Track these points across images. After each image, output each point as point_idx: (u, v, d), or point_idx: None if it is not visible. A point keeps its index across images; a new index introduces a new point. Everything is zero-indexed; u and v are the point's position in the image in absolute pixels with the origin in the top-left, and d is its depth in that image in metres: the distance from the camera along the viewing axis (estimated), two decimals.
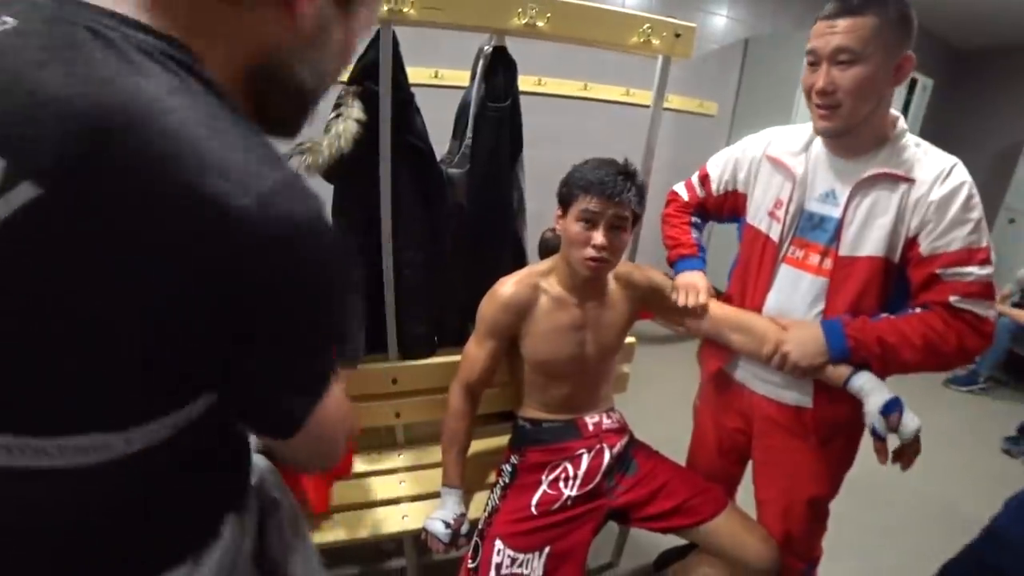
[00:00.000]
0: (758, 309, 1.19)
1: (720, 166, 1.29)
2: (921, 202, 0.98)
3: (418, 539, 1.28)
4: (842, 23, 0.93)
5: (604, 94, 3.09)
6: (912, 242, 1.00)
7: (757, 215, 1.20)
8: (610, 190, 1.13)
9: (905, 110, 3.54)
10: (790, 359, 1.08)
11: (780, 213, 1.14)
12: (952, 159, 1.00)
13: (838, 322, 1.04)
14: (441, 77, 2.56)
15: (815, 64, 0.98)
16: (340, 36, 0.49)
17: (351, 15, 0.49)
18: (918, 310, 1.01)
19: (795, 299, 1.13)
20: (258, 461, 0.69)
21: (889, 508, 2.09)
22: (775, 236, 1.15)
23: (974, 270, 0.96)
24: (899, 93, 3.49)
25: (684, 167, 3.39)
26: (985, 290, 0.97)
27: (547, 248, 1.97)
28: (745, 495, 1.41)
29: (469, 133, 1.31)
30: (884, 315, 1.04)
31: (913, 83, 3.46)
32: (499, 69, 1.31)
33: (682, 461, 1.44)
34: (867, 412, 1.04)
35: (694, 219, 1.35)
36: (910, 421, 1.02)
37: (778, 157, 1.15)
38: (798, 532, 1.25)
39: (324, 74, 0.51)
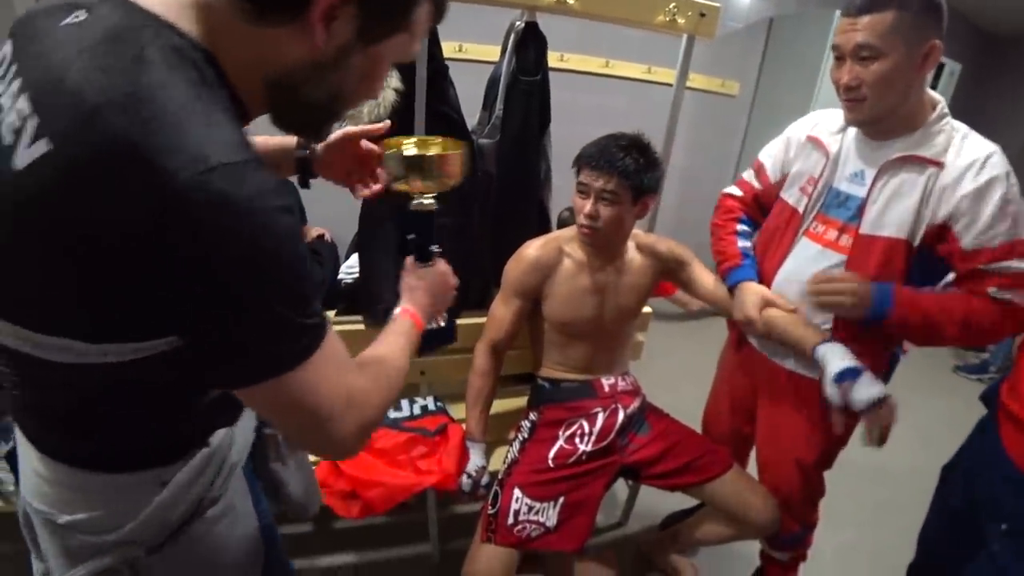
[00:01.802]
0: (773, 274, 1.25)
1: (773, 153, 1.30)
2: (949, 190, 0.99)
3: (439, 492, 1.37)
4: (863, 20, 0.95)
5: (626, 71, 3.10)
6: (940, 229, 1.02)
7: (790, 190, 1.24)
8: (597, 163, 1.20)
9: None
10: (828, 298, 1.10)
11: (810, 188, 1.18)
12: (990, 148, 0.99)
13: (890, 287, 1.06)
14: (465, 51, 2.60)
15: (840, 59, 1.01)
16: (362, 64, 0.53)
17: (377, 45, 0.53)
18: (952, 289, 1.05)
19: (806, 269, 1.17)
20: None
21: (888, 486, 2.16)
22: (801, 209, 1.20)
23: (1015, 264, 0.99)
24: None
25: (704, 147, 3.45)
26: (1021, 281, 1.00)
27: (563, 226, 2.03)
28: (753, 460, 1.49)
29: (500, 105, 1.36)
30: (928, 289, 1.07)
31: (940, 68, 3.41)
32: (530, 44, 1.36)
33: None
34: (824, 380, 1.08)
35: (740, 227, 1.34)
36: (863, 390, 1.04)
37: (817, 136, 1.19)
38: (795, 495, 1.33)
39: (342, 95, 0.55)
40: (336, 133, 0.83)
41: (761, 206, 1.36)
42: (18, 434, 0.63)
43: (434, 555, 1.65)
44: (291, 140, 0.83)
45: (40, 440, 0.60)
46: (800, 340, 1.15)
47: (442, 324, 0.90)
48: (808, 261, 1.18)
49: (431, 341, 0.87)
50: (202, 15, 0.47)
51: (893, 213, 1.05)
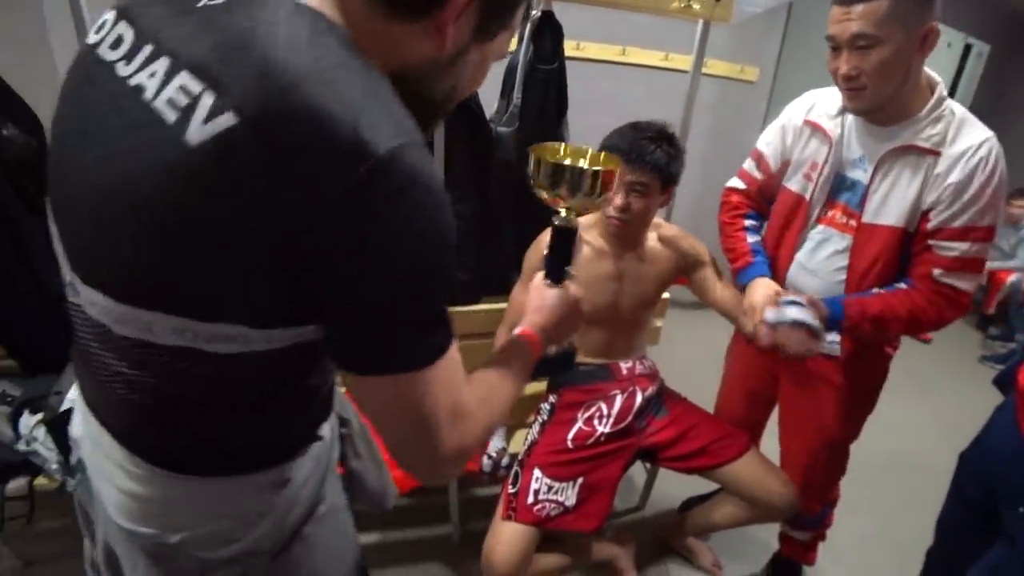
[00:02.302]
0: (786, 265, 1.25)
1: (770, 140, 1.29)
2: (941, 178, 1.01)
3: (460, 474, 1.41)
4: (857, 9, 0.94)
5: (642, 59, 3.08)
6: (925, 214, 1.04)
7: (793, 177, 1.24)
8: (630, 154, 1.20)
9: (958, 77, 3.42)
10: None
11: (814, 175, 1.18)
12: (983, 136, 1.00)
13: (839, 302, 1.11)
14: None
15: (836, 49, 1.00)
16: (476, 59, 0.54)
17: (487, 43, 0.54)
18: (903, 285, 1.09)
19: (821, 256, 1.19)
20: None
21: (910, 475, 2.15)
22: (807, 196, 1.19)
23: (960, 246, 1.02)
24: (951, 59, 3.37)
25: (722, 134, 3.42)
26: (969, 265, 1.03)
27: None
28: (770, 441, 1.49)
29: (517, 93, 1.38)
30: (875, 290, 1.11)
31: (967, 49, 3.33)
32: (546, 32, 1.38)
33: None
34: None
35: (748, 222, 1.33)
36: (791, 310, 1.05)
37: (816, 121, 1.18)
38: (817, 473, 1.34)
39: (454, 90, 0.56)
40: None
41: (765, 197, 1.34)
42: (97, 456, 0.57)
43: (454, 536, 1.69)
44: None
45: (143, 443, 0.54)
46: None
47: (561, 350, 0.83)
48: (820, 246, 1.19)
49: (545, 368, 0.80)
50: (340, 5, 0.47)
51: (893, 203, 1.06)
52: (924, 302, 1.06)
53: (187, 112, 0.41)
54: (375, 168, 0.40)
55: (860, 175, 1.12)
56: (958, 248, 1.02)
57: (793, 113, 1.24)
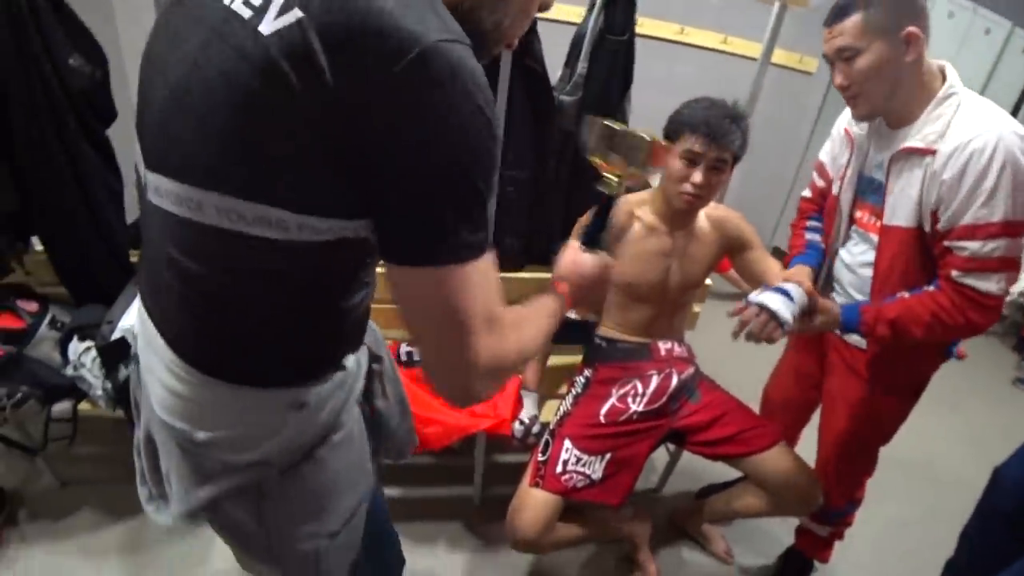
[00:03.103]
0: (833, 261, 1.31)
1: (827, 150, 1.34)
2: (936, 176, 1.01)
3: (489, 438, 1.43)
4: (837, 27, 1.03)
5: (701, 40, 2.99)
6: (934, 214, 1.04)
7: (836, 182, 1.28)
8: (715, 132, 1.18)
9: (997, 64, 3.21)
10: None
11: (843, 176, 1.23)
12: (978, 129, 0.97)
13: (857, 308, 1.14)
14: (550, 10, 2.55)
15: (832, 65, 1.08)
16: (521, 1, 0.58)
17: None
18: (931, 287, 1.08)
19: (856, 254, 1.23)
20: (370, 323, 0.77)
21: (934, 491, 2.12)
22: (839, 197, 1.24)
23: (971, 244, 1.00)
24: (992, 50, 3.16)
25: (774, 124, 3.32)
26: (985, 265, 1.00)
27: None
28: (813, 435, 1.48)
29: (583, 63, 1.36)
30: (900, 294, 1.11)
31: (1008, 37, 3.13)
32: (620, 2, 1.34)
33: None
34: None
35: (811, 223, 1.39)
36: (766, 295, 1.09)
37: (848, 127, 1.23)
38: (844, 468, 1.36)
39: (502, 26, 0.58)
40: None
41: (827, 202, 1.39)
42: (149, 353, 0.63)
43: (475, 498, 1.73)
44: None
45: (188, 346, 0.59)
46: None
47: (583, 318, 0.84)
48: (856, 245, 1.24)
49: (565, 334, 0.79)
50: None
51: (903, 203, 1.09)
52: (948, 304, 1.05)
53: (262, 9, 0.46)
54: (420, 57, 0.43)
55: (881, 177, 1.14)
56: (969, 247, 1.01)
57: (838, 122, 1.30)
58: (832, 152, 1.31)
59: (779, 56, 3.13)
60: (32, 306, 1.42)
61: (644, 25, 2.85)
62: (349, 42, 0.43)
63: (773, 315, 1.08)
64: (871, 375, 1.24)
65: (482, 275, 0.51)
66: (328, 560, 0.70)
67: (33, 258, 1.43)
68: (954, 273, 1.03)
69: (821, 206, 1.38)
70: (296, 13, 0.44)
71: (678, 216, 1.32)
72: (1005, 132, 0.96)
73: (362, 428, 0.73)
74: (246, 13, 0.46)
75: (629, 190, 0.76)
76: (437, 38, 0.44)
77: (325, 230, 0.50)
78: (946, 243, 1.03)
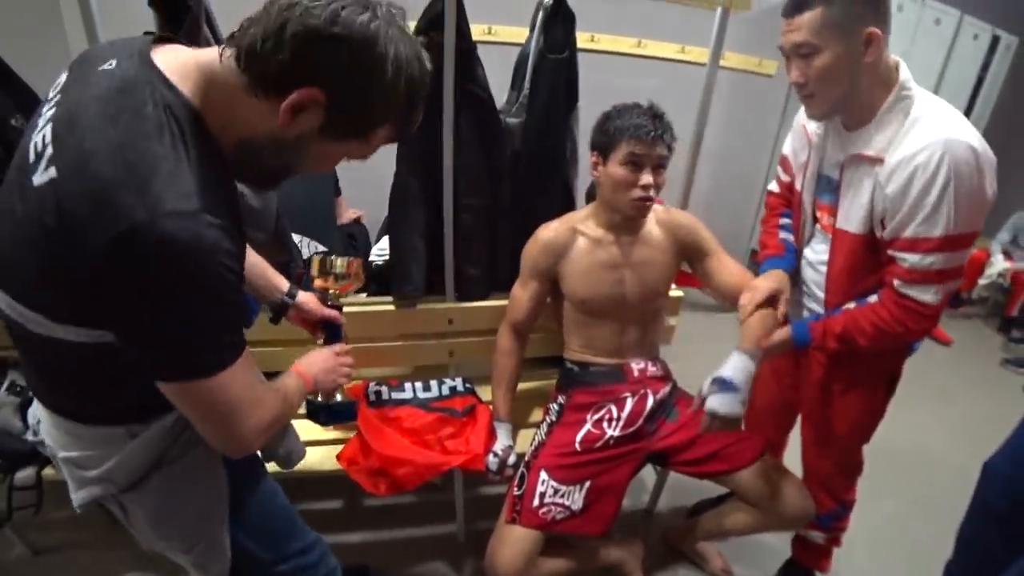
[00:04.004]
0: (800, 260, 1.29)
1: (789, 143, 1.31)
2: (883, 186, 1.00)
3: (467, 472, 1.38)
4: (795, 20, 0.98)
5: (659, 51, 3.01)
6: (883, 222, 1.04)
7: (797, 176, 1.26)
8: (652, 133, 1.18)
9: (984, 71, 3.30)
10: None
11: (804, 174, 1.21)
12: (925, 141, 0.95)
13: (805, 326, 1.16)
14: (495, 33, 2.57)
15: (788, 59, 1.04)
16: (316, 151, 0.65)
17: (335, 143, 0.64)
18: (874, 298, 1.09)
19: (818, 253, 1.22)
20: None
21: (929, 480, 2.09)
22: (802, 195, 1.23)
23: (911, 257, 1.00)
24: (977, 53, 3.26)
25: (739, 128, 3.35)
26: (925, 277, 1.01)
27: (592, 195, 2.01)
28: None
29: (527, 84, 1.35)
30: (847, 306, 1.13)
31: (995, 42, 3.22)
32: (558, 21, 1.34)
33: None
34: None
35: (783, 220, 1.36)
36: (717, 400, 1.08)
37: (804, 124, 1.21)
38: (833, 470, 1.33)
39: (291, 168, 0.67)
40: (304, 297, 1.03)
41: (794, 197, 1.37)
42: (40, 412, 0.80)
43: (459, 535, 1.67)
44: (283, 285, 1.02)
45: (40, 395, 0.77)
46: (742, 333, 1.17)
47: (335, 400, 1.04)
48: (818, 244, 1.23)
49: (326, 414, 1.05)
50: (203, 79, 0.60)
51: (855, 210, 1.08)
52: (888, 316, 1.05)
53: (39, 158, 0.57)
54: (129, 231, 0.51)
55: (837, 177, 1.13)
56: (909, 259, 1.01)
57: (798, 116, 1.26)
58: (793, 146, 1.29)
59: (737, 60, 3.17)
60: None
61: (601, 41, 2.89)
62: (80, 208, 0.53)
63: (725, 417, 1.08)
64: (837, 373, 1.24)
65: (243, 369, 0.64)
66: (192, 566, 0.85)
67: None
68: (896, 283, 1.04)
69: (789, 200, 1.36)
70: (51, 172, 0.55)
71: (624, 225, 1.30)
72: (952, 143, 0.93)
73: (208, 462, 0.81)
74: (31, 156, 0.58)
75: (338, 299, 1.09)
76: (144, 217, 0.51)
77: (87, 335, 0.62)
78: (890, 252, 1.04)
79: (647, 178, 1.20)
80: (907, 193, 0.97)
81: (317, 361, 0.93)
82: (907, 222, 0.99)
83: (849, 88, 1.01)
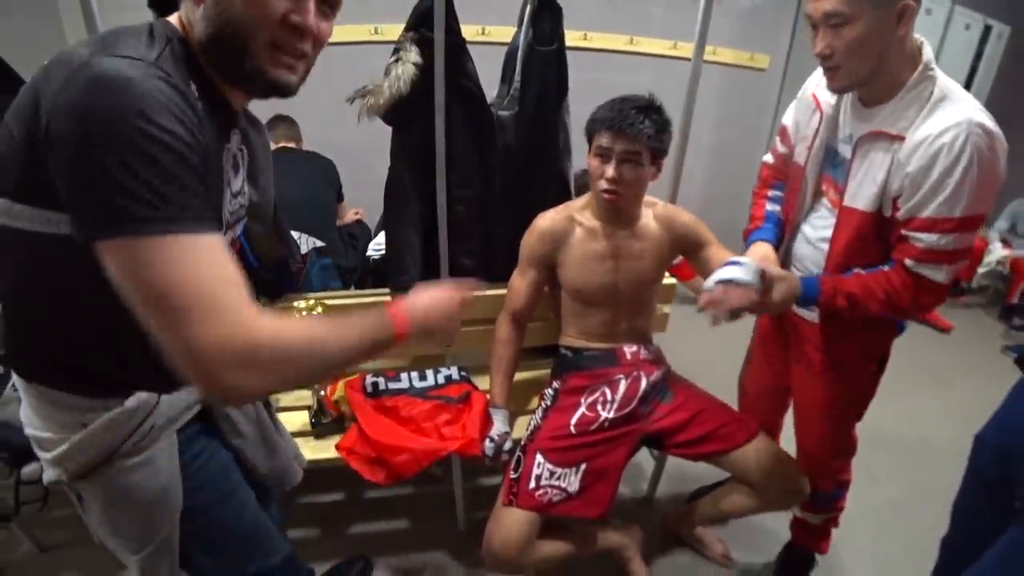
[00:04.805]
0: (792, 234, 1.28)
1: (791, 112, 1.30)
2: (903, 165, 0.99)
3: (465, 461, 1.40)
4: None
5: (650, 48, 3.05)
6: (895, 202, 1.03)
7: (798, 148, 1.24)
8: (619, 125, 1.19)
9: (976, 59, 3.32)
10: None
11: (809, 147, 1.19)
12: (950, 120, 0.94)
13: (816, 278, 1.12)
14: (488, 34, 2.61)
15: (815, 28, 1.00)
16: None
17: None
18: (886, 267, 1.07)
19: (816, 228, 1.21)
20: None
21: (928, 464, 2.09)
22: (804, 167, 1.20)
23: (928, 237, 0.99)
24: (969, 41, 3.27)
25: (733, 122, 3.37)
26: (938, 257, 1.00)
27: (580, 187, 2.04)
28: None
29: (518, 77, 1.38)
30: (856, 270, 1.10)
31: (987, 30, 3.24)
32: (546, 14, 1.37)
33: None
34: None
35: (771, 192, 1.36)
36: (722, 273, 1.00)
37: (816, 94, 1.18)
38: (826, 450, 1.34)
39: (232, 21, 0.62)
40: None
41: (789, 169, 1.35)
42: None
43: (460, 524, 1.69)
44: None
45: (9, 351, 0.72)
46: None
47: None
48: (818, 218, 1.21)
49: None
50: (177, 19, 0.67)
51: (866, 188, 1.06)
52: (901, 287, 1.05)
53: None
54: (79, 68, 0.54)
55: (847, 153, 1.11)
56: (925, 239, 1.00)
57: (807, 84, 1.24)
58: (796, 117, 1.26)
59: (729, 55, 3.20)
60: None
61: (594, 39, 2.92)
62: (45, 79, 0.57)
63: (737, 283, 1.01)
64: (826, 350, 1.24)
65: (195, 253, 0.55)
66: (140, 571, 0.81)
67: None
68: (908, 262, 1.03)
69: (782, 172, 1.35)
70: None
71: (616, 216, 1.32)
72: (976, 125, 0.93)
73: (174, 460, 0.78)
74: None
75: None
76: (99, 55, 0.55)
77: (46, 219, 0.60)
78: (903, 232, 1.03)
79: (609, 170, 1.22)
80: (929, 172, 0.95)
81: (426, 299, 0.77)
82: (927, 202, 0.97)
83: (877, 62, 0.97)
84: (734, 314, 1.01)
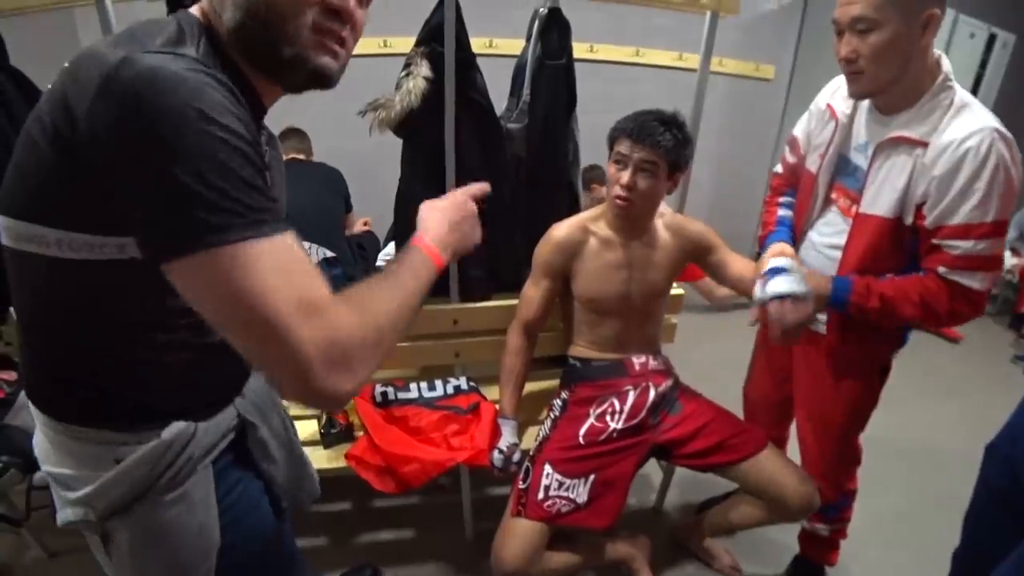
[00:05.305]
0: (801, 240, 1.28)
1: (802, 124, 1.32)
2: (927, 170, 0.99)
3: (473, 472, 1.41)
4: None
5: (656, 59, 3.08)
6: (919, 207, 1.03)
7: (811, 157, 1.26)
8: (638, 134, 1.21)
9: (982, 68, 3.32)
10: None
11: (822, 155, 1.20)
12: (975, 126, 0.96)
13: (848, 277, 1.11)
14: (496, 47, 2.64)
15: (840, 33, 1.02)
16: None
17: None
18: (920, 273, 1.07)
19: (826, 236, 1.21)
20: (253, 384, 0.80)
21: (939, 475, 2.07)
22: (816, 175, 1.21)
23: (964, 244, 0.99)
24: (975, 50, 3.27)
25: (738, 132, 3.39)
26: (973, 263, 1.00)
27: (587, 180, 2.11)
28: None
29: (527, 90, 1.40)
30: (890, 275, 1.09)
31: (992, 39, 3.24)
32: (554, 28, 1.39)
33: None
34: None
35: (783, 199, 1.37)
36: (775, 284, 1.04)
37: (831, 103, 1.20)
38: (831, 460, 1.34)
39: (262, 5, 0.58)
40: None
41: (799, 178, 1.36)
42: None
43: (468, 534, 1.69)
44: None
45: (32, 390, 0.68)
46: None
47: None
48: (827, 226, 1.22)
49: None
50: (207, 6, 0.62)
51: (885, 194, 1.06)
52: (939, 292, 1.04)
53: None
54: (116, 66, 0.48)
55: (862, 161, 1.12)
56: (962, 246, 1.00)
57: (820, 96, 1.26)
58: (808, 127, 1.28)
59: (735, 66, 3.22)
60: (10, 375, 1.44)
61: (600, 51, 2.95)
62: (77, 77, 0.51)
63: (793, 297, 1.04)
64: (830, 360, 1.24)
65: (272, 256, 0.50)
66: None
67: (11, 328, 1.43)
68: (941, 269, 1.02)
69: (792, 182, 1.36)
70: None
71: (630, 226, 1.33)
72: (999, 131, 0.95)
73: (211, 494, 0.72)
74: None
75: None
76: (120, 55, 0.49)
77: (88, 245, 0.55)
78: (935, 240, 1.02)
79: (624, 177, 1.24)
80: (956, 176, 0.96)
81: (438, 215, 0.76)
82: (956, 207, 0.98)
83: (900, 69, 0.99)
84: (795, 332, 1.02)
